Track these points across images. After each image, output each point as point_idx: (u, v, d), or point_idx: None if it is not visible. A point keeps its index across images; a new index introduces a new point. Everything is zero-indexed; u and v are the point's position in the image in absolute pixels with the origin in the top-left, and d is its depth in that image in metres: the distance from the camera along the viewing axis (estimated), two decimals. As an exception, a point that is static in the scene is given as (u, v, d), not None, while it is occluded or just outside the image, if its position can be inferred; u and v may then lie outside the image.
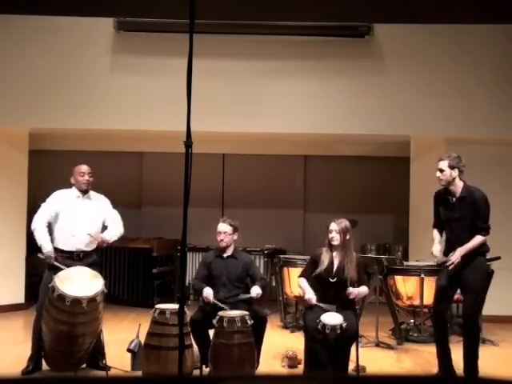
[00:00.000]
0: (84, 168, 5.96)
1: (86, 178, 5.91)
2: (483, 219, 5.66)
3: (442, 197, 5.80)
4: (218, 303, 5.61)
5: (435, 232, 5.88)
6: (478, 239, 5.62)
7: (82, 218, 5.86)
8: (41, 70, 8.14)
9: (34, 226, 5.82)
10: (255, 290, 5.73)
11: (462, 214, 5.66)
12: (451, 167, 5.65)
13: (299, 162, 10.69)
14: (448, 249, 5.73)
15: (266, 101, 8.26)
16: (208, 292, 5.70)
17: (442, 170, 5.68)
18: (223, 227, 5.92)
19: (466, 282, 5.64)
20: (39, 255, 5.81)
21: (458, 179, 5.68)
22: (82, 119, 8.20)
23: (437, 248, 5.74)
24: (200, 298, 6.02)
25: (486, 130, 8.19)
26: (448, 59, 8.20)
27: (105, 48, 8.26)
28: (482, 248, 5.71)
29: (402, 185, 9.15)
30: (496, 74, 8.18)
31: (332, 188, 10.56)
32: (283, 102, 8.25)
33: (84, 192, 5.95)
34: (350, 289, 5.49)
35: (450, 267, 5.56)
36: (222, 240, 5.91)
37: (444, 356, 5.72)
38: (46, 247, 5.73)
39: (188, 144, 3.51)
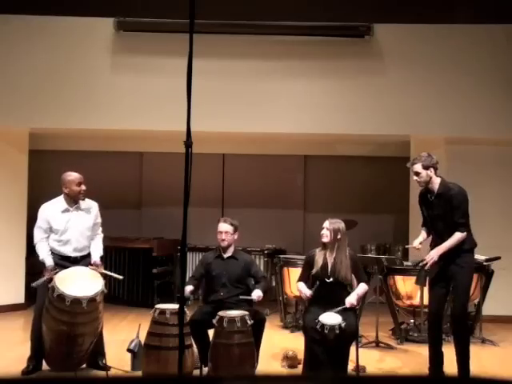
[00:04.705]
0: (79, 177, 5.81)
1: (84, 187, 5.82)
2: (460, 215, 5.59)
3: (424, 195, 5.81)
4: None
5: (423, 230, 5.88)
6: (456, 236, 5.56)
7: (71, 233, 5.82)
8: (41, 70, 8.14)
9: (34, 241, 5.86)
10: (256, 293, 5.73)
11: (440, 211, 5.65)
12: (426, 168, 5.66)
13: (299, 162, 10.68)
14: (434, 246, 5.70)
15: (266, 101, 8.26)
16: (187, 289, 5.62)
17: (417, 173, 5.69)
18: (225, 227, 5.93)
19: (455, 282, 5.62)
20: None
21: (434, 177, 5.69)
22: (82, 119, 8.20)
23: (417, 241, 5.72)
24: (200, 298, 6.01)
25: (486, 130, 8.18)
26: (448, 59, 8.20)
27: (105, 48, 8.26)
28: (469, 244, 5.65)
29: (401, 185, 9.14)
30: (496, 74, 8.17)
31: (332, 188, 10.56)
32: (283, 102, 8.25)
33: (75, 202, 5.86)
34: (348, 303, 5.47)
35: (426, 267, 5.55)
36: (223, 240, 5.91)
37: (436, 360, 5.69)
38: (48, 262, 5.72)
39: (188, 144, 3.51)
